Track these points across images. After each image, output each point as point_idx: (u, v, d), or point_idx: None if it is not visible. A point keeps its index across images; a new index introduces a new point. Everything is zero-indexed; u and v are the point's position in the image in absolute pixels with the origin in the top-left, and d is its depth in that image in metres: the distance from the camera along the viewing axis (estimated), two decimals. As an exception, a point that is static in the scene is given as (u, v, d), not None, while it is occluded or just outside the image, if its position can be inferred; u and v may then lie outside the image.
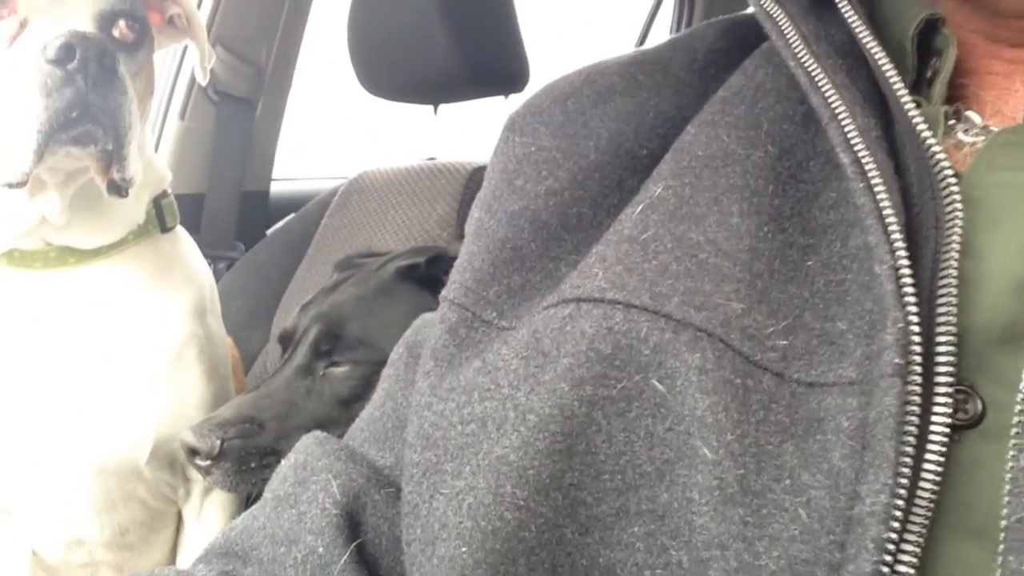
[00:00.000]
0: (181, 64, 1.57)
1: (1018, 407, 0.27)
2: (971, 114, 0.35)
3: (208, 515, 0.90)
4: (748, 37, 0.42)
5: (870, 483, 0.26)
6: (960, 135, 0.34)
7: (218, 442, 0.76)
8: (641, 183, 0.39)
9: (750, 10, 0.39)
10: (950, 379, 0.28)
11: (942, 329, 0.29)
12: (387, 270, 0.91)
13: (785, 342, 0.31)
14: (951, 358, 0.28)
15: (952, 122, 0.35)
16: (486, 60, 1.24)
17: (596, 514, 0.31)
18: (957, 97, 0.36)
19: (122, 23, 0.75)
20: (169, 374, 0.83)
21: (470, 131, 1.67)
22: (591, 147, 0.41)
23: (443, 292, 0.42)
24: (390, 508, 0.40)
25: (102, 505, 0.84)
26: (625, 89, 0.43)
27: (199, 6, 1.47)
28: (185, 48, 0.91)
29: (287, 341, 0.90)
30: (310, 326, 0.87)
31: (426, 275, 0.90)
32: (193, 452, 0.77)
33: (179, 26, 0.87)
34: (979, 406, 0.28)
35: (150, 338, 0.82)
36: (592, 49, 2.49)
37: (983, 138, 0.33)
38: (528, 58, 1.28)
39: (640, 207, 0.36)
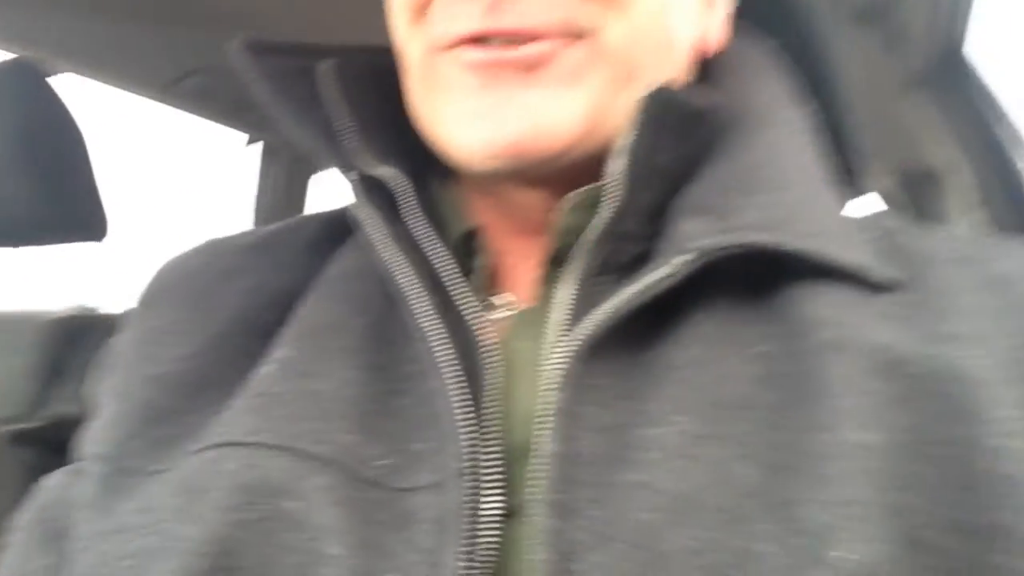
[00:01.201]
0: None
1: (536, 502, 0.36)
2: (505, 297, 0.49)
3: None
4: (344, 227, 0.53)
5: (448, 555, 0.36)
6: (497, 313, 0.47)
7: None
8: (266, 348, 0.46)
9: (343, 208, 0.54)
10: (497, 479, 0.38)
11: (490, 446, 0.39)
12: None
13: (387, 462, 0.40)
14: (497, 464, 0.39)
15: (494, 300, 0.48)
16: (57, 206, 1.14)
17: None
18: (496, 282, 0.49)
19: None
20: None
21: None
22: (220, 319, 0.49)
23: (86, 450, 0.47)
24: None
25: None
26: (246, 269, 0.52)
27: None
28: None
29: None
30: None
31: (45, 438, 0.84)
32: None
33: None
34: (517, 502, 0.38)
35: None
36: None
37: (511, 314, 0.47)
38: (104, 207, 1.19)
39: (271, 367, 0.44)
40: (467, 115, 0.43)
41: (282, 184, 2.03)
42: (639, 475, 0.36)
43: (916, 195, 1.81)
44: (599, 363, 0.40)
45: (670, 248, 0.41)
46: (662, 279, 0.40)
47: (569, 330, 0.40)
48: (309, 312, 0.48)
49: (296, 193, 2.06)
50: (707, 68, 0.52)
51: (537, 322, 0.44)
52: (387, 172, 0.48)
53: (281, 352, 0.45)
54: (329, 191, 2.11)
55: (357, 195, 0.48)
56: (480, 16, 0.42)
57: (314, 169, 2.09)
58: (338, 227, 0.54)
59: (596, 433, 0.38)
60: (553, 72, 0.42)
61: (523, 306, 0.47)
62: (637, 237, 0.44)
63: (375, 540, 0.38)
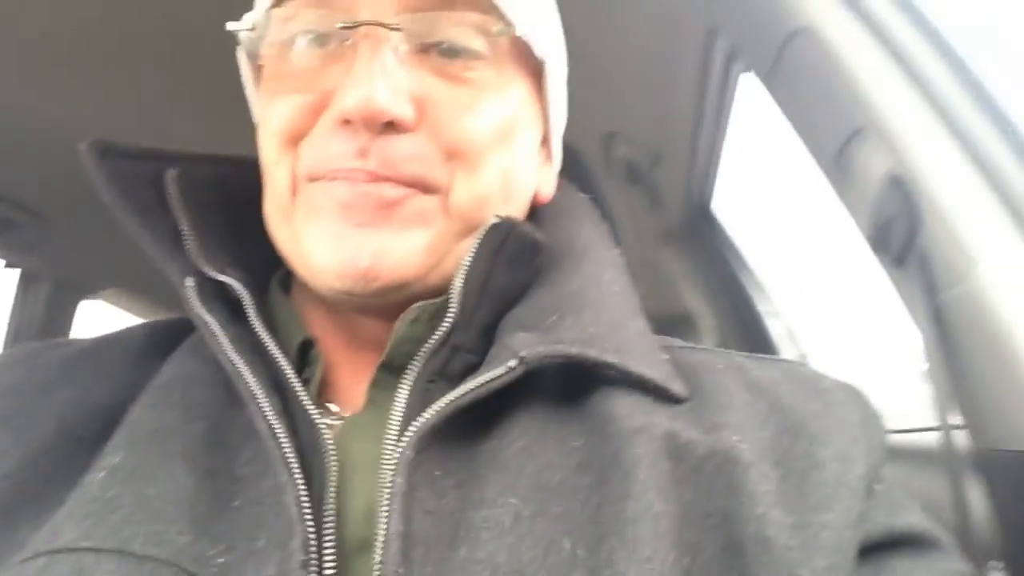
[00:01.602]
0: None
1: None
2: (336, 404, 0.51)
3: None
4: (171, 335, 0.55)
5: None
6: (330, 419, 0.50)
7: None
8: (90, 458, 0.46)
9: (172, 316, 0.56)
10: (333, 569, 0.41)
11: (327, 538, 0.42)
12: None
13: (223, 560, 0.41)
14: (333, 556, 0.41)
15: (328, 407, 0.51)
16: None
17: None
18: (327, 390, 0.52)
19: None
20: None
21: None
22: (39, 434, 0.48)
23: None
24: None
25: None
26: (67, 381, 0.51)
27: None
28: None
29: None
30: None
31: None
32: None
33: None
34: None
35: None
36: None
37: (345, 418, 0.50)
38: None
39: (103, 473, 0.44)
40: (327, 240, 0.47)
41: (40, 312, 1.87)
42: (475, 552, 0.40)
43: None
44: (434, 455, 0.44)
45: (499, 356, 0.46)
46: (490, 380, 0.45)
47: (405, 428, 0.44)
48: (140, 419, 0.48)
49: (58, 320, 1.91)
50: (536, 213, 0.59)
51: (373, 424, 0.47)
52: (231, 278, 0.50)
53: (112, 459, 0.45)
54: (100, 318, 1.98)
55: (195, 301, 0.49)
56: (351, 157, 0.47)
57: (80, 296, 1.97)
58: (164, 337, 0.55)
59: (433, 516, 0.42)
60: (402, 215, 0.48)
61: (351, 410, 0.50)
62: (469, 350, 0.49)
63: None
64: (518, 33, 0.51)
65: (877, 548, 0.44)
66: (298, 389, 0.47)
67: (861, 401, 0.51)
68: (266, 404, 0.45)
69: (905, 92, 0.68)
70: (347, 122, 0.47)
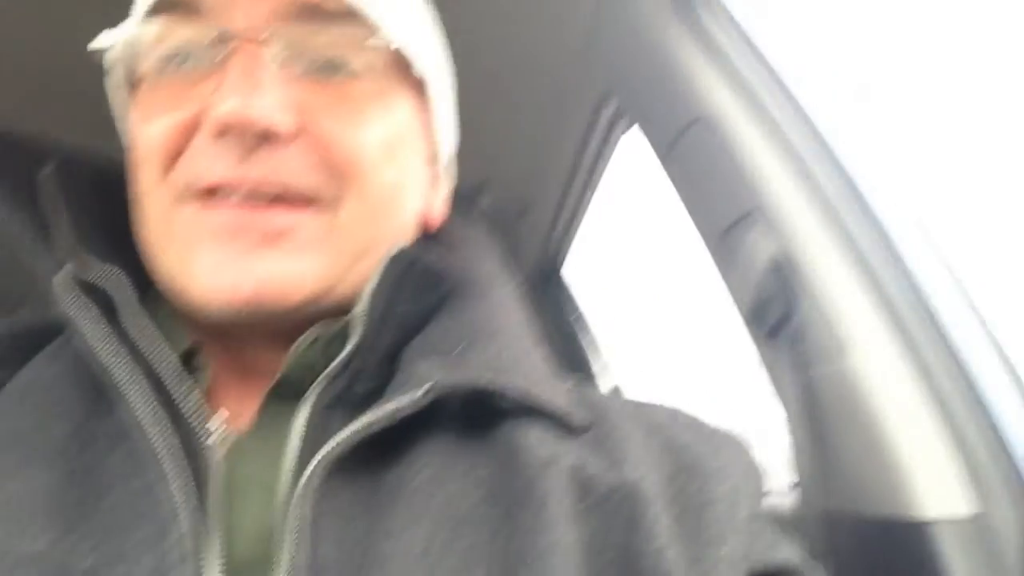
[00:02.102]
0: None
1: None
2: (221, 415, 0.48)
3: None
4: (30, 340, 0.52)
5: None
6: (214, 429, 0.47)
7: None
8: None
9: (31, 318, 0.53)
10: (221, 565, 0.40)
11: (209, 551, 0.40)
12: None
13: (89, 563, 0.39)
14: (223, 568, 0.40)
15: (214, 417, 0.48)
16: None
17: None
18: (211, 400, 0.49)
19: None
20: None
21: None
22: None
23: None
24: None
25: None
26: None
27: None
28: None
29: None
30: None
31: None
32: None
33: None
34: None
35: None
36: None
37: (231, 435, 0.47)
38: None
39: None
40: (209, 267, 0.45)
41: None
42: None
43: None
44: (339, 484, 0.42)
45: (405, 383, 0.46)
46: (400, 408, 0.44)
47: (307, 454, 0.43)
48: None
49: None
50: (437, 237, 0.59)
51: (265, 446, 0.45)
52: (109, 271, 0.47)
53: None
54: None
55: (66, 294, 0.46)
56: (234, 164, 0.45)
57: None
58: (23, 341, 0.52)
59: (339, 545, 0.41)
60: (291, 243, 0.46)
61: (240, 428, 0.48)
62: (371, 375, 0.48)
63: None
64: (394, 47, 0.50)
65: None
66: (173, 387, 0.44)
67: (744, 446, 0.54)
68: (137, 397, 0.42)
69: (791, 181, 0.74)
70: (222, 134, 0.45)
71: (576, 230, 1.61)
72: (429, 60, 0.55)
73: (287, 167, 0.46)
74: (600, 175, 1.37)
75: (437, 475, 0.44)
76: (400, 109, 0.52)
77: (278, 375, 0.48)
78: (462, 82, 0.63)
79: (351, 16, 0.49)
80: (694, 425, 0.54)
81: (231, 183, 0.45)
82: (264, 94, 0.45)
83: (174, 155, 0.47)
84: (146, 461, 0.41)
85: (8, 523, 0.40)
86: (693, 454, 0.50)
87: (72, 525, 0.40)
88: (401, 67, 0.52)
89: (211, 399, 0.49)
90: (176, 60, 0.48)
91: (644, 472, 0.47)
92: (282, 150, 0.46)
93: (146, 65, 0.49)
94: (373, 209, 0.49)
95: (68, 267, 0.47)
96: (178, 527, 0.39)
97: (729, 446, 0.53)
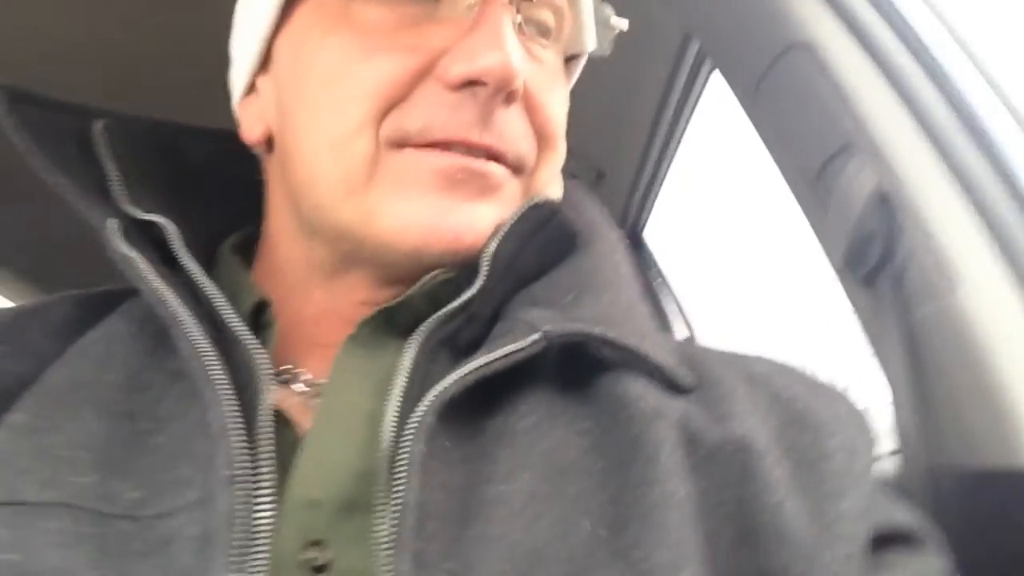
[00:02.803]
0: None
1: (383, 553, 0.36)
2: (301, 372, 0.49)
3: None
4: (99, 308, 0.52)
5: (214, 569, 0.34)
6: (294, 387, 0.48)
7: None
8: None
9: (101, 289, 0.54)
10: (271, 494, 0.37)
11: (266, 481, 0.38)
12: None
13: (138, 494, 0.39)
14: (272, 503, 0.37)
15: (287, 378, 0.49)
16: None
17: None
18: (291, 357, 0.50)
19: None
20: None
21: None
22: None
23: None
24: None
25: None
26: None
27: None
28: None
29: None
30: None
31: None
32: None
33: None
34: (330, 555, 0.38)
35: None
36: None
37: (310, 390, 0.48)
38: None
39: (1, 431, 0.43)
40: (422, 210, 0.46)
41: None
42: (488, 529, 0.38)
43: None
44: (445, 427, 0.41)
45: (511, 330, 0.45)
46: (515, 351, 0.43)
47: (413, 393, 0.42)
48: (51, 377, 0.46)
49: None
50: None
51: (365, 383, 0.45)
52: (162, 218, 0.48)
53: (14, 417, 0.43)
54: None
55: (117, 238, 0.46)
56: (470, 125, 0.46)
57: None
58: (91, 310, 0.53)
59: (444, 488, 0.39)
60: (499, 197, 0.49)
61: (314, 376, 0.48)
62: (480, 322, 0.48)
63: (125, 570, 0.37)
64: (588, 15, 0.54)
65: (875, 541, 0.44)
66: (232, 322, 0.44)
67: (852, 400, 0.51)
68: (192, 331, 0.42)
69: (895, 110, 0.69)
70: (468, 85, 0.45)
71: (657, 192, 1.56)
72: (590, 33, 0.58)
73: (518, 133, 0.48)
74: (681, 133, 1.32)
75: (540, 423, 0.43)
76: (565, 80, 0.56)
77: (393, 302, 0.48)
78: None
79: None
80: (800, 377, 0.52)
81: (472, 143, 0.46)
82: (519, 53, 0.46)
83: (396, 99, 0.46)
84: (198, 396, 0.40)
85: (59, 461, 0.41)
86: (802, 406, 0.48)
87: (123, 461, 0.41)
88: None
89: (280, 353, 0.49)
90: None
91: (753, 425, 0.45)
92: (511, 113, 0.48)
93: None
94: (555, 173, 0.53)
95: (123, 213, 0.49)
96: (225, 453, 0.37)
97: (838, 399, 0.50)
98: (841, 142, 0.71)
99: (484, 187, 0.47)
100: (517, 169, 0.49)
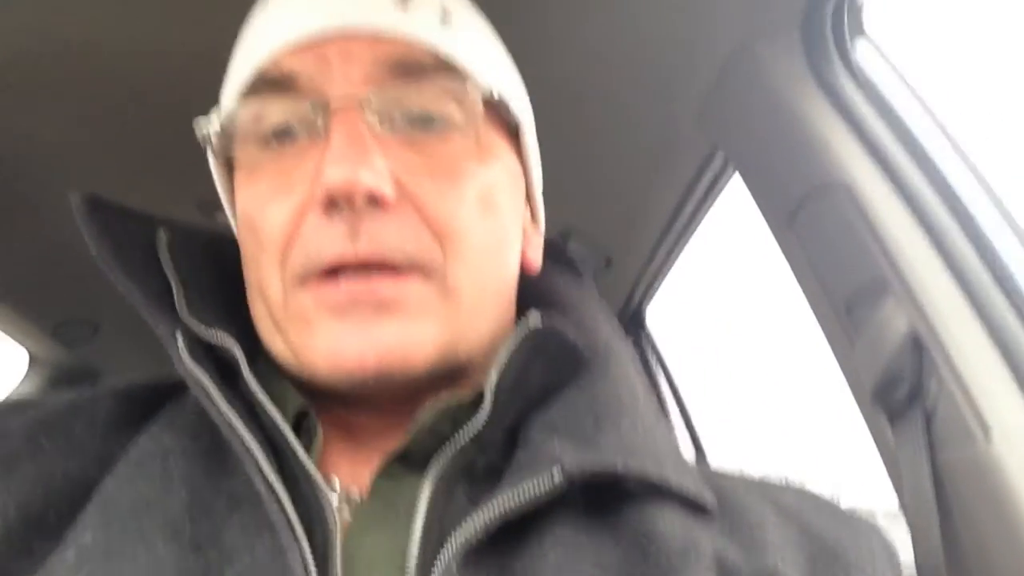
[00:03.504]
0: None
1: None
2: (333, 480, 0.47)
3: None
4: (143, 405, 0.52)
5: None
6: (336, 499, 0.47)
7: None
8: (52, 543, 0.44)
9: (144, 379, 0.54)
10: None
11: None
12: None
13: None
14: None
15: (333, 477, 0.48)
16: None
17: None
18: (328, 465, 0.50)
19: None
20: None
21: None
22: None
23: None
24: None
25: None
26: (30, 455, 0.47)
27: None
28: None
29: None
30: None
31: None
32: None
33: None
34: None
35: None
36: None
37: (346, 506, 0.47)
38: None
39: (71, 552, 0.42)
40: (332, 340, 0.46)
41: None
42: None
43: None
44: (469, 570, 0.41)
45: (533, 462, 0.45)
46: (537, 495, 0.43)
47: (432, 530, 0.43)
48: (113, 494, 0.45)
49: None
50: (533, 287, 0.58)
51: (386, 517, 0.45)
52: (225, 337, 0.48)
53: (82, 536, 0.43)
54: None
55: (186, 357, 0.47)
56: (342, 240, 0.45)
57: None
58: (136, 406, 0.52)
59: None
60: (404, 309, 0.46)
61: (355, 495, 0.48)
62: (495, 448, 0.48)
63: None
64: (494, 96, 0.50)
65: None
66: (300, 453, 0.45)
67: (882, 533, 0.52)
68: (265, 463, 0.43)
69: (927, 253, 0.71)
70: (332, 204, 0.45)
71: (663, 277, 1.58)
72: (521, 104, 0.56)
73: (392, 235, 0.46)
74: (695, 229, 1.34)
75: (565, 560, 0.42)
76: (497, 158, 0.52)
77: (402, 444, 0.47)
78: (557, 128, 0.62)
79: (444, 68, 0.49)
80: (827, 508, 0.52)
81: (345, 259, 0.45)
82: (369, 160, 0.45)
83: (290, 239, 0.47)
84: (269, 526, 0.41)
85: None
86: (831, 540, 0.48)
87: None
88: (497, 113, 0.52)
89: (322, 464, 0.49)
90: (277, 137, 0.49)
91: (784, 558, 0.45)
92: (386, 217, 0.46)
93: (245, 145, 0.50)
94: (478, 267, 0.49)
95: (188, 330, 0.49)
96: None
97: (867, 533, 0.50)
98: (872, 279, 0.74)
99: (377, 306, 0.46)
100: (415, 269, 0.47)
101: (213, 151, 0.53)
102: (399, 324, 0.46)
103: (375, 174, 0.45)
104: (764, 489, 0.52)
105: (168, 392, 0.53)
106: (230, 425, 0.44)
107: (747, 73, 0.82)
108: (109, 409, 0.52)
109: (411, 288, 0.47)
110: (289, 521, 0.41)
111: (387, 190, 0.46)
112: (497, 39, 0.57)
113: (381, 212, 0.46)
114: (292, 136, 0.49)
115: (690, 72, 0.88)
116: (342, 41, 0.48)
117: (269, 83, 0.49)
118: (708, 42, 0.84)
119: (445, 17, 0.51)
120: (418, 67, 0.49)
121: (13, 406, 0.52)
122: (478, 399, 0.48)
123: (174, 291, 0.51)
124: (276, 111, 0.48)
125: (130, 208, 0.54)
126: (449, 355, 0.48)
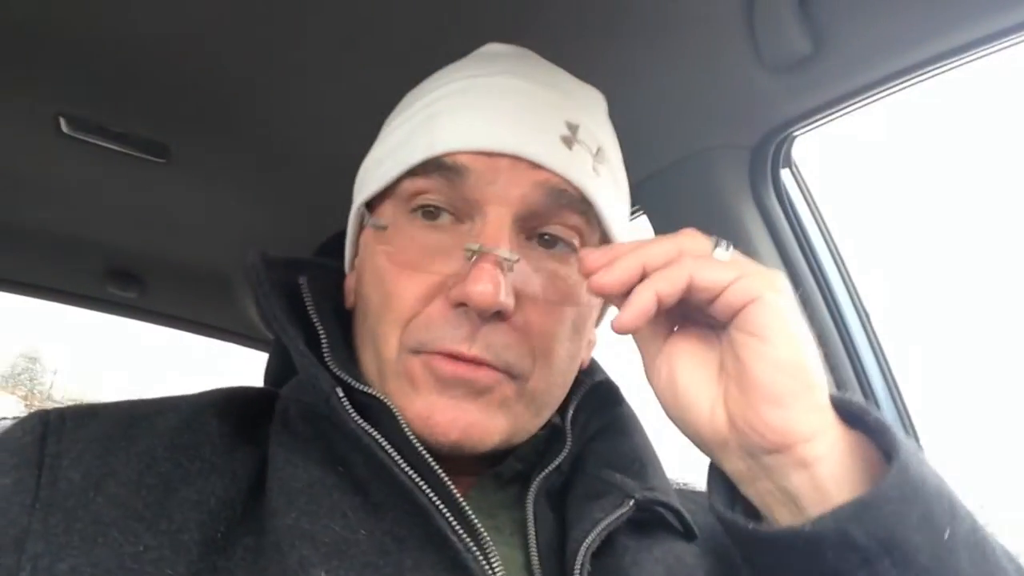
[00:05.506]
0: None
1: None
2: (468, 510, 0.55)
3: None
4: (245, 422, 0.59)
5: None
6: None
7: None
8: (220, 557, 0.49)
9: (224, 396, 0.60)
10: None
11: None
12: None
13: None
14: None
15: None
16: None
17: None
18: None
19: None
20: None
21: None
22: (187, 539, 0.49)
23: None
24: None
25: None
26: (182, 479, 0.52)
27: None
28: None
29: None
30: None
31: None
32: None
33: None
34: None
35: None
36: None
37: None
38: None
39: None
40: (430, 406, 0.55)
41: None
42: None
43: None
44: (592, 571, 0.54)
45: (611, 491, 0.58)
46: (623, 513, 0.56)
47: (546, 542, 0.56)
48: (308, 528, 0.50)
49: None
50: None
51: (501, 535, 0.56)
52: (378, 395, 0.56)
53: (316, 572, 0.48)
54: None
55: (353, 414, 0.54)
56: (461, 340, 0.54)
57: None
58: (236, 424, 0.58)
59: None
60: (489, 399, 0.56)
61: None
62: (564, 472, 0.62)
63: None
64: (609, 236, 0.61)
65: None
66: (459, 497, 0.53)
67: None
68: (451, 516, 0.51)
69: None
70: (461, 304, 0.54)
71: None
72: (622, 229, 0.64)
73: (500, 347, 0.55)
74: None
75: (640, 557, 0.56)
76: None
77: (500, 467, 0.59)
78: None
79: (578, 206, 0.58)
80: None
81: (461, 354, 0.54)
82: (506, 283, 0.54)
83: (416, 313, 0.56)
84: (463, 570, 0.49)
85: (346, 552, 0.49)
86: None
87: None
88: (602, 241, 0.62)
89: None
90: (423, 209, 0.58)
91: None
92: (503, 328, 0.55)
93: (397, 209, 0.59)
94: (556, 377, 0.59)
95: (342, 382, 0.55)
96: None
97: None
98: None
99: (472, 390, 0.55)
100: (510, 375, 0.56)
101: (369, 208, 0.62)
102: (484, 410, 0.55)
103: (508, 296, 0.53)
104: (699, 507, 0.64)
105: (255, 404, 0.61)
106: (407, 480, 0.51)
107: (697, 169, 1.01)
108: (216, 427, 0.57)
109: (500, 384, 0.55)
110: (476, 559, 0.50)
111: (511, 307, 0.54)
112: (621, 164, 0.66)
113: (498, 322, 0.55)
114: (437, 213, 0.58)
115: (648, 153, 1.06)
116: (513, 159, 0.57)
117: (441, 167, 0.57)
118: (675, 134, 1.00)
119: (599, 155, 0.60)
120: (565, 197, 0.57)
121: (127, 420, 0.55)
122: (552, 436, 0.62)
123: (322, 341, 0.58)
124: (437, 195, 0.57)
125: (273, 256, 0.61)
126: (509, 443, 0.58)
